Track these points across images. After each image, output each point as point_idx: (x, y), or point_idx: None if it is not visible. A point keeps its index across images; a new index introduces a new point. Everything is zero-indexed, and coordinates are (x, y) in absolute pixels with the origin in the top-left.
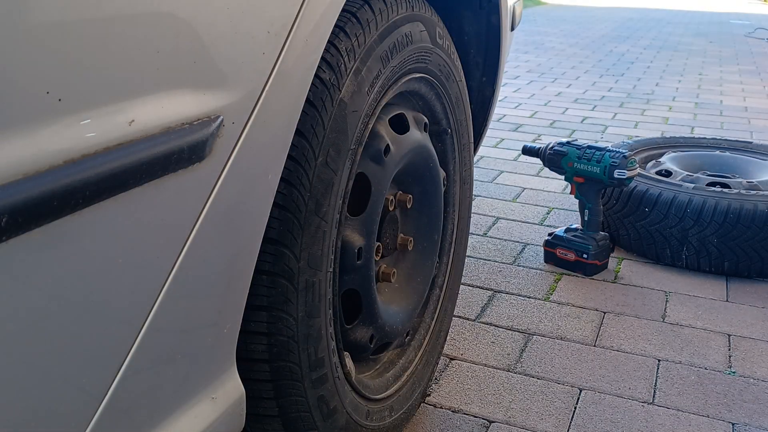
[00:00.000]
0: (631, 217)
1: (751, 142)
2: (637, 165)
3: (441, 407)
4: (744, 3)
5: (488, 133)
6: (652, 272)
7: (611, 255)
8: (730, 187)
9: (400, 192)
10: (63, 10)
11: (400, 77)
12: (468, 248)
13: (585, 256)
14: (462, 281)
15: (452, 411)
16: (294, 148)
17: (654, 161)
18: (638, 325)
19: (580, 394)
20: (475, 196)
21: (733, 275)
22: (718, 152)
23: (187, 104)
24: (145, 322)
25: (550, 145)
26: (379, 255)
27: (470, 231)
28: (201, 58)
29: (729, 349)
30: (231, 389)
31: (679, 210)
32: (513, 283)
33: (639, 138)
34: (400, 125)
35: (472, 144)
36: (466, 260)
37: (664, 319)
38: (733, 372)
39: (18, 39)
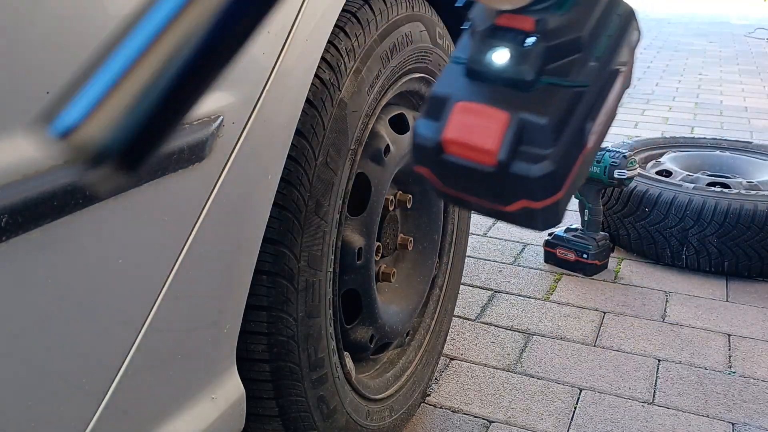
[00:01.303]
0: (631, 217)
1: (751, 142)
2: (637, 165)
3: (441, 407)
4: (744, 3)
5: None
6: (652, 272)
7: (611, 255)
8: (730, 187)
9: (400, 192)
10: (63, 11)
11: (400, 77)
12: (468, 248)
13: (585, 256)
14: (462, 281)
15: (452, 411)
16: (294, 148)
17: (654, 161)
18: (638, 325)
19: (580, 394)
20: None
21: (733, 275)
22: (718, 152)
23: None
24: (145, 322)
25: None
26: (379, 255)
27: (470, 231)
28: None
29: (729, 349)
30: (231, 389)
31: (679, 210)
32: (513, 283)
33: (639, 138)
34: (400, 125)
35: None
36: (466, 260)
37: (664, 319)
38: (733, 372)
39: (18, 39)
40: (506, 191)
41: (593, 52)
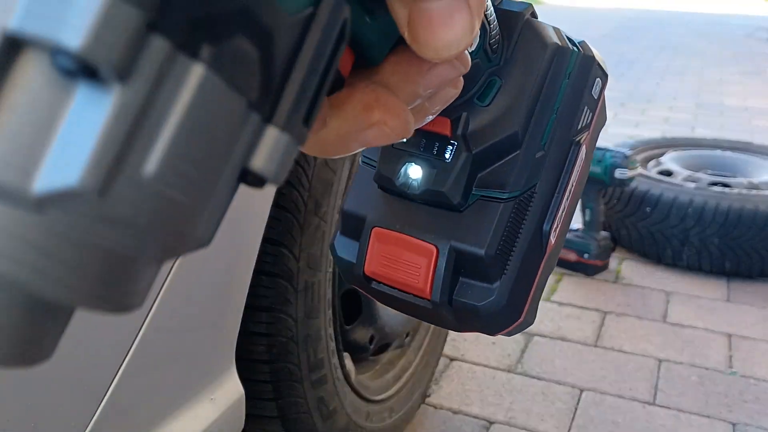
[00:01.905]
0: (633, 216)
1: (751, 142)
2: (638, 165)
3: (441, 408)
4: (744, 3)
5: None
6: (653, 272)
7: (612, 255)
8: (732, 187)
9: None
10: None
11: None
12: None
13: (586, 256)
14: None
15: (453, 412)
16: None
17: (655, 161)
18: (639, 325)
19: (581, 395)
20: None
21: (734, 275)
22: (719, 152)
23: None
24: (144, 322)
25: None
26: None
27: None
28: None
29: (730, 350)
30: (230, 390)
31: (681, 210)
32: None
33: (640, 138)
34: None
35: None
36: None
37: (665, 320)
38: (734, 372)
39: None
40: (455, 322)
41: (536, 144)
